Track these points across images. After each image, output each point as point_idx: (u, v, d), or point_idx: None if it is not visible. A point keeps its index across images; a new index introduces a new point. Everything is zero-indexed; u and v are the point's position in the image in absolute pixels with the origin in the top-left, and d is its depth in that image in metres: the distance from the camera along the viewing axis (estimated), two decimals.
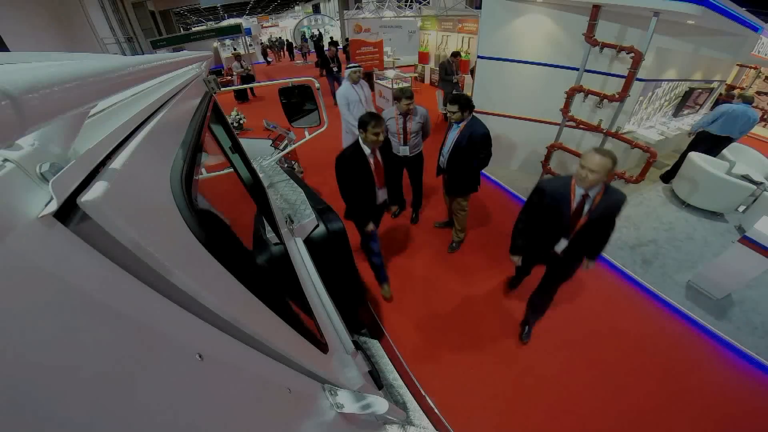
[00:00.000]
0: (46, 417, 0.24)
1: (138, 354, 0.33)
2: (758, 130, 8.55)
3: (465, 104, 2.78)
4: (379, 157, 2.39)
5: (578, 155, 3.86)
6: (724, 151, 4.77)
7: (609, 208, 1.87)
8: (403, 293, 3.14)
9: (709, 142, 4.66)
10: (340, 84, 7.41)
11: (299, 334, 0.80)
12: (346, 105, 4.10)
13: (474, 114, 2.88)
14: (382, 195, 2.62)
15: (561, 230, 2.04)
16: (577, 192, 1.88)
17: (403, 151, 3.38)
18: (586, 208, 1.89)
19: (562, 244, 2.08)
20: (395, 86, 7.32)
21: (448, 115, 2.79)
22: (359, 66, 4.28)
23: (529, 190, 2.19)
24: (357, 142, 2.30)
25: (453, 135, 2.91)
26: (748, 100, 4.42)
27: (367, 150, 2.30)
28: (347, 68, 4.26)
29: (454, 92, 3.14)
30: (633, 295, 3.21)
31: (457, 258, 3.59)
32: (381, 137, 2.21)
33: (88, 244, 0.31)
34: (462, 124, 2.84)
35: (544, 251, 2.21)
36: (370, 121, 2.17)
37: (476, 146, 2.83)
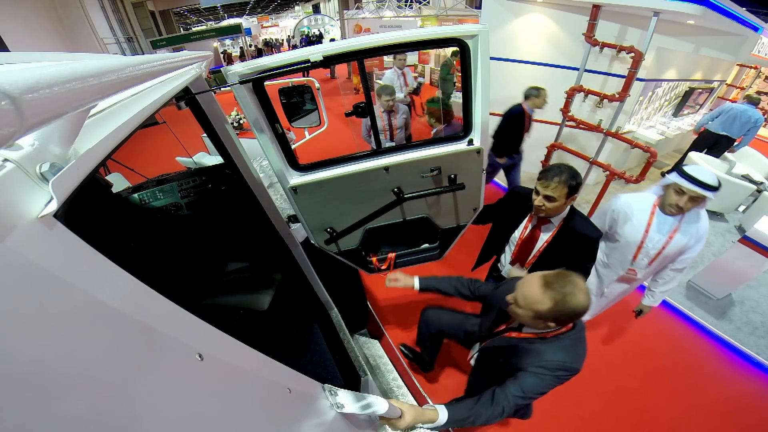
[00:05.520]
0: (47, 414, 0.24)
1: (138, 353, 0.33)
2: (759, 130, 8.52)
3: (575, 187, 1.48)
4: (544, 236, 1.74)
5: (578, 155, 3.86)
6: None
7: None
8: (402, 293, 3.14)
9: (710, 141, 4.70)
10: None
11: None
12: None
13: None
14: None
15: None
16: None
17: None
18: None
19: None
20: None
21: (535, 201, 1.57)
22: None
23: None
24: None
25: (545, 235, 1.70)
26: (753, 101, 4.47)
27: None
28: None
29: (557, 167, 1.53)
30: (633, 295, 3.20)
31: (455, 256, 3.58)
32: None
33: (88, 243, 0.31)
34: (559, 222, 1.64)
35: None
36: None
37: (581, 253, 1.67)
